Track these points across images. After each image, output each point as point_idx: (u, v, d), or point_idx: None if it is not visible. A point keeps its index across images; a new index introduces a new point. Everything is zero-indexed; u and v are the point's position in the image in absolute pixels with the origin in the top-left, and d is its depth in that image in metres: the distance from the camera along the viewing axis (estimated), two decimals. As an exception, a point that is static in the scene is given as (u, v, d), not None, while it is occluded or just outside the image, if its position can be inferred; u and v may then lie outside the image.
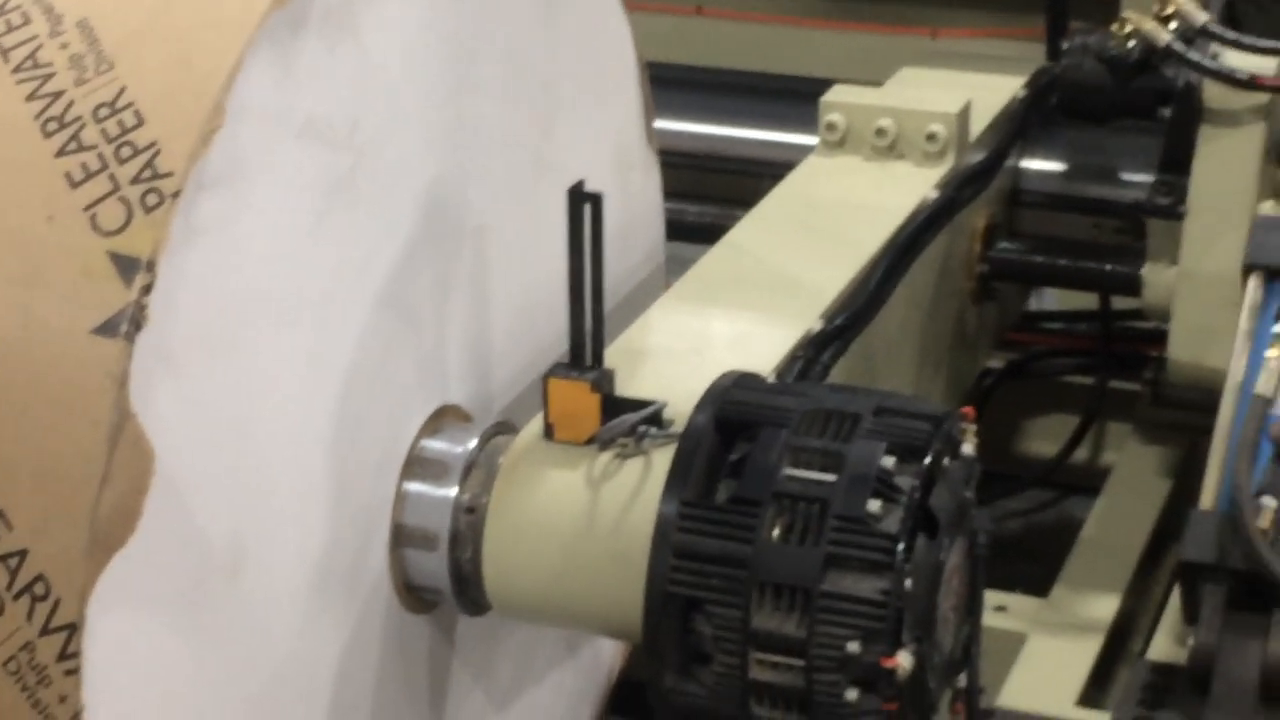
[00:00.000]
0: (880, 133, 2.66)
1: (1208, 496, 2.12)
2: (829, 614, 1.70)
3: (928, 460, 1.75)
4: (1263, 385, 2.14)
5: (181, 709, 1.70)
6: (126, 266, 1.58)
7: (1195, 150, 2.72)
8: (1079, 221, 3.08)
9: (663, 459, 1.83)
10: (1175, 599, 2.22)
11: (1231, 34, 2.67)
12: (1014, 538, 3.50)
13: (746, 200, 2.59)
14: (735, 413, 1.82)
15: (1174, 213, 2.78)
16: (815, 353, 2.15)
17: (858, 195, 2.58)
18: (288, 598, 1.81)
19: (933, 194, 2.56)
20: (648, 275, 2.45)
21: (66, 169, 1.61)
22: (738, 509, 1.76)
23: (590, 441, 1.87)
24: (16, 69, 1.65)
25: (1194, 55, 2.67)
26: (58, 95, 1.64)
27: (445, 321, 2.01)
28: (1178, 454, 3.22)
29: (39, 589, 1.57)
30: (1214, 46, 2.69)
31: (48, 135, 1.63)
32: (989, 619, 2.55)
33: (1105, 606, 2.80)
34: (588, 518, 1.85)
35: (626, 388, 1.91)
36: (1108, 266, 2.97)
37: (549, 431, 1.89)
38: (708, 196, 3.14)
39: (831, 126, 2.70)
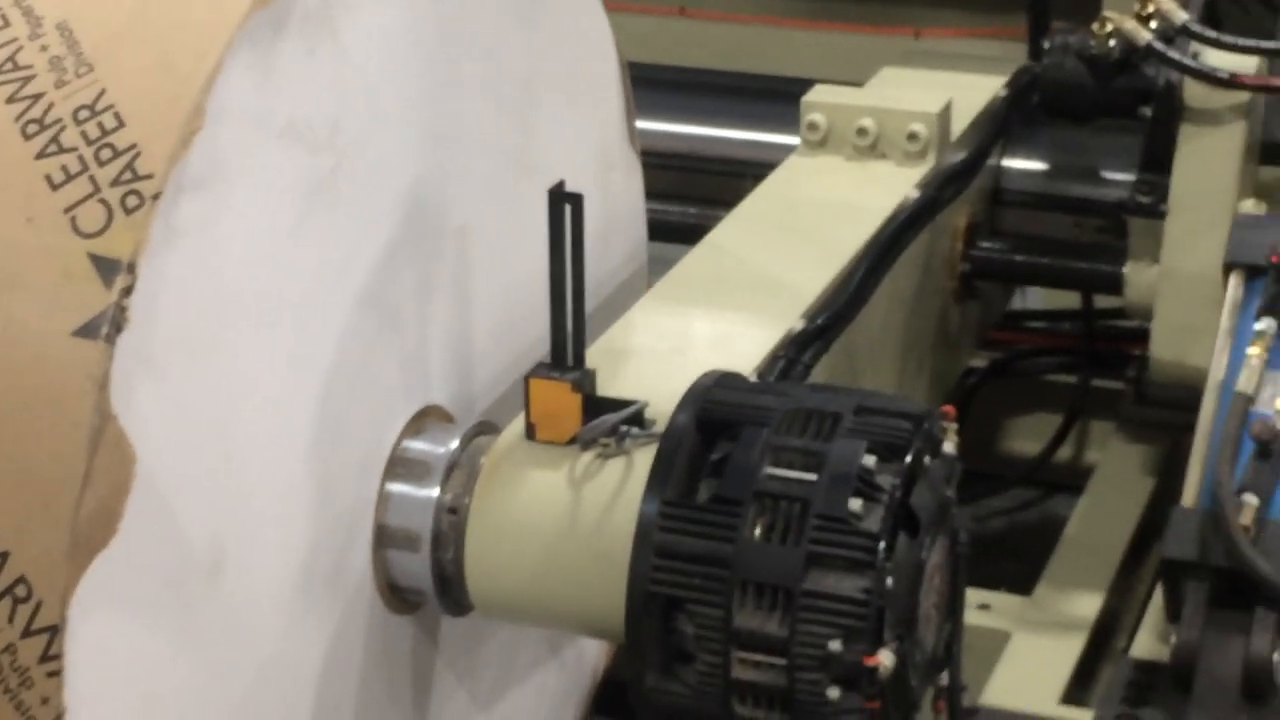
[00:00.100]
0: (862, 132, 2.66)
1: (1190, 494, 2.12)
2: (811, 613, 1.70)
3: (909, 459, 1.75)
4: (1244, 383, 2.14)
5: (164, 710, 1.70)
6: (107, 268, 1.58)
7: (1176, 149, 2.73)
8: (1061, 220, 3.09)
9: (644, 459, 1.83)
10: (1158, 597, 2.23)
11: (1212, 33, 2.67)
12: (998, 536, 3.50)
13: (728, 200, 2.59)
14: (717, 412, 1.82)
15: (1155, 211, 2.79)
16: (797, 352, 2.15)
17: (839, 195, 2.58)
18: (270, 599, 1.81)
19: (914, 193, 2.56)
20: (630, 275, 2.44)
21: (46, 171, 1.61)
22: (719, 508, 1.76)
23: (572, 442, 1.87)
24: (-3, 72, 1.65)
25: (1175, 54, 2.68)
26: (38, 98, 1.63)
27: (427, 322, 2.01)
28: (1160, 452, 3.23)
29: (20, 591, 1.57)
30: (1194, 45, 2.69)
31: (28, 138, 1.62)
32: (972, 617, 2.55)
33: (1088, 604, 2.81)
34: (569, 518, 1.85)
35: (608, 388, 1.91)
36: (1090, 265, 2.98)
37: (530, 432, 1.89)
38: (690, 197, 3.14)
39: (813, 126, 2.70)
